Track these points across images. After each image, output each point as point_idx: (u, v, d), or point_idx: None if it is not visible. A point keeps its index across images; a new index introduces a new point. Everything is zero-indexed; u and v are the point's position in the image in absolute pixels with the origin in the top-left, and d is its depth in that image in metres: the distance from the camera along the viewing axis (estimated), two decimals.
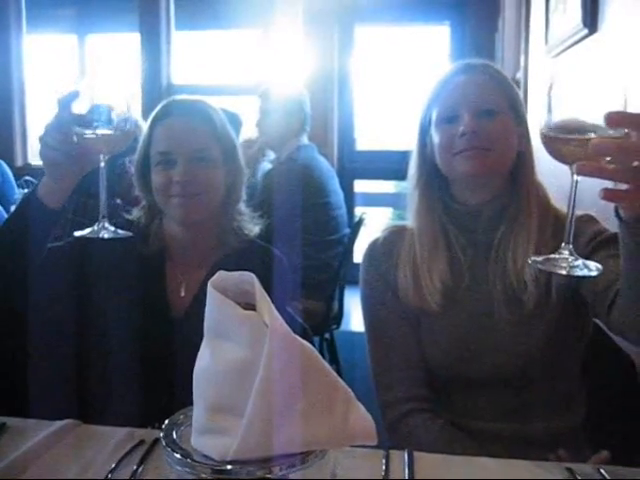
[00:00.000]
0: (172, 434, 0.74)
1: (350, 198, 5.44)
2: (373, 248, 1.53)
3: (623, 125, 0.85)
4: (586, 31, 2.56)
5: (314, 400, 0.68)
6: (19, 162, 6.11)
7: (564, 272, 0.95)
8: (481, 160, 1.36)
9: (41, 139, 1.23)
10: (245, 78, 5.99)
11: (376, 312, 1.49)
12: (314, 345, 0.84)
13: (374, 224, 4.14)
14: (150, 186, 1.53)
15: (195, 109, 1.55)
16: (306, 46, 5.63)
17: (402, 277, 1.45)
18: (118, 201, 2.34)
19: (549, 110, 0.92)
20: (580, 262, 0.95)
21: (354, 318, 4.40)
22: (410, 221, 1.51)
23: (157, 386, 1.46)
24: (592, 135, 0.85)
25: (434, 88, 1.46)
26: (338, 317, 3.46)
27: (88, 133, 1.14)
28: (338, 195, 3.46)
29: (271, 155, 3.62)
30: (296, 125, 3.39)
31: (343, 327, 3.63)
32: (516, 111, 1.43)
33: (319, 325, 3.20)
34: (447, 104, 1.42)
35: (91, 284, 1.52)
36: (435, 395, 1.44)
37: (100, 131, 1.14)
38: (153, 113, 1.56)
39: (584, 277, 1.00)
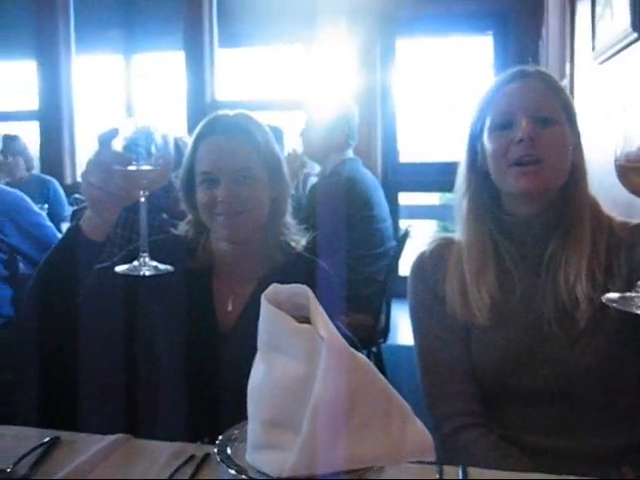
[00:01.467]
0: (226, 450, 0.73)
1: (395, 211, 5.41)
2: (420, 261, 1.50)
3: None
4: (635, 35, 2.50)
5: (371, 415, 0.67)
6: (68, 180, 6.25)
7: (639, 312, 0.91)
8: (535, 177, 1.32)
9: (83, 176, 1.25)
10: (288, 93, 6.03)
11: (425, 325, 1.46)
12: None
13: (419, 237, 4.11)
14: (195, 202, 1.53)
15: (237, 126, 1.54)
16: (348, 59, 5.64)
17: (450, 290, 1.42)
18: (164, 216, 2.37)
19: (625, 137, 0.85)
20: None
21: (401, 331, 4.36)
22: (458, 232, 1.48)
23: (205, 400, 1.46)
24: None
25: (487, 94, 1.43)
26: (385, 331, 3.43)
27: (128, 171, 1.16)
28: (383, 208, 3.44)
29: (316, 169, 3.63)
30: (339, 139, 3.38)
31: (390, 340, 3.60)
32: (571, 121, 1.39)
33: (366, 339, 3.17)
34: (502, 110, 1.38)
35: (139, 300, 1.53)
36: (486, 409, 1.41)
37: (140, 168, 1.16)
38: (196, 130, 1.55)
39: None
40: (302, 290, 0.72)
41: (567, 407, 1.34)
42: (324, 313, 0.70)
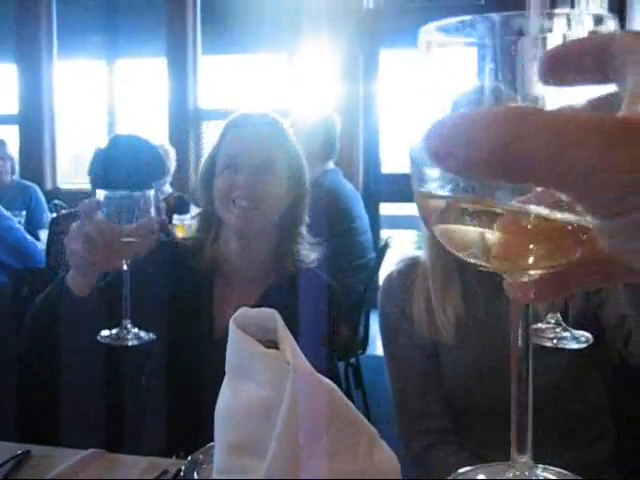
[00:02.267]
0: (193, 474, 0.73)
1: (376, 221, 5.41)
2: (389, 281, 1.52)
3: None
4: None
5: (338, 440, 0.67)
6: (49, 185, 6.18)
7: (549, 344, 0.90)
8: None
9: (66, 243, 1.27)
10: (271, 102, 6.02)
11: (394, 344, 1.48)
12: (338, 371, 0.82)
13: (401, 247, 4.12)
14: (211, 193, 1.53)
15: (268, 121, 1.58)
16: (331, 70, 5.65)
17: (416, 309, 1.44)
18: None
19: None
20: (568, 334, 0.90)
21: (380, 343, 4.36)
22: (423, 252, 1.49)
23: (189, 406, 1.43)
24: None
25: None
26: (364, 342, 3.44)
27: (111, 242, 1.19)
28: (363, 220, 3.45)
29: None
30: (317, 148, 3.37)
31: (369, 352, 3.60)
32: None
33: (345, 350, 3.17)
34: None
35: (136, 300, 1.50)
36: (457, 426, 1.42)
37: (123, 239, 1.17)
38: (227, 120, 1.59)
39: (575, 350, 0.94)
40: (270, 314, 0.72)
41: (535, 423, 1.34)
42: (292, 338, 0.70)
